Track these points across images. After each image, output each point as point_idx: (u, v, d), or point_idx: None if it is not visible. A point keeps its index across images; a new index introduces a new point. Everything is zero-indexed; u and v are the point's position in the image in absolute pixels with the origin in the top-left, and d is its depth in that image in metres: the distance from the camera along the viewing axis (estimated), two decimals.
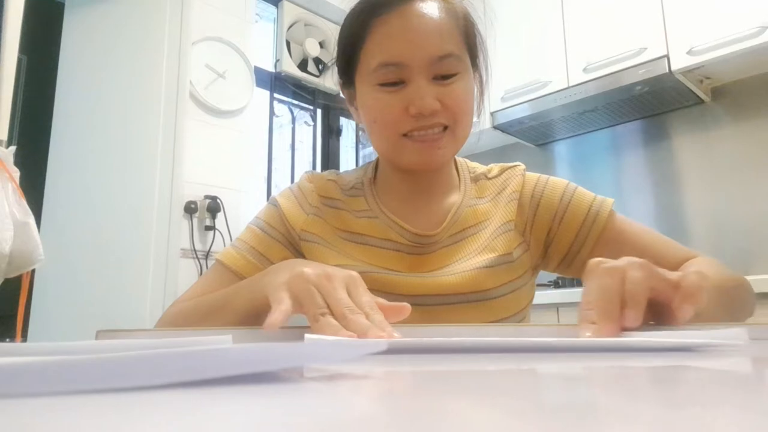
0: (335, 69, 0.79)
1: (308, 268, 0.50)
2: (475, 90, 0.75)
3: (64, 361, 0.18)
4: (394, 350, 0.33)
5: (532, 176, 0.81)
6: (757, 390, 0.21)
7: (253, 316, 0.56)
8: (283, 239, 0.77)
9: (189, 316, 0.66)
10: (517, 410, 0.16)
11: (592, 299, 0.46)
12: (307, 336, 0.41)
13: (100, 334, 0.55)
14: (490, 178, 0.81)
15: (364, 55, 0.70)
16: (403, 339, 0.39)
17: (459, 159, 0.84)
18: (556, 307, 1.87)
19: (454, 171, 0.81)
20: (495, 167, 0.83)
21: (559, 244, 0.76)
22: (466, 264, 0.71)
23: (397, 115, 0.68)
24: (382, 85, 0.69)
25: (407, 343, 0.34)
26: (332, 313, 0.45)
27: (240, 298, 0.59)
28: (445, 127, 0.69)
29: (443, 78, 0.68)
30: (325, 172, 0.83)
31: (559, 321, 1.87)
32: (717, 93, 2.23)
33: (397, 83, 0.68)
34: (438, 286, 0.70)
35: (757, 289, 1.52)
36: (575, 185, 0.79)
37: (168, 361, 0.19)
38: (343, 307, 0.45)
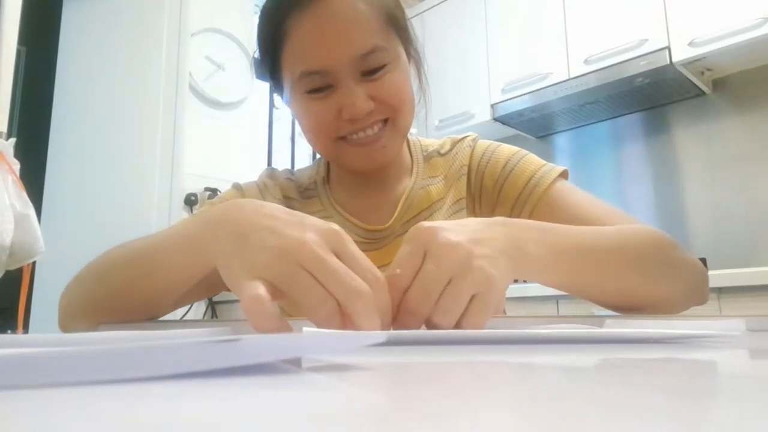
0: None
1: (279, 237, 0.38)
2: (414, 73, 0.70)
3: (65, 353, 0.18)
4: (393, 341, 0.33)
5: (482, 144, 0.75)
6: (752, 381, 0.21)
7: (197, 283, 0.48)
8: None
9: (115, 273, 0.56)
10: (515, 401, 0.16)
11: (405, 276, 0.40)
12: (305, 328, 0.41)
13: (101, 326, 0.56)
14: (442, 155, 0.76)
15: (285, 61, 0.65)
16: (402, 331, 0.39)
17: (411, 138, 0.79)
18: (556, 299, 1.87)
19: (407, 153, 0.77)
20: (448, 141, 0.77)
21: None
22: None
23: (331, 121, 0.64)
24: (310, 92, 0.64)
25: (406, 335, 0.34)
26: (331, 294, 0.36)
27: (179, 258, 0.47)
28: (386, 120, 0.65)
29: (372, 72, 0.63)
30: (283, 171, 0.79)
31: (558, 313, 1.88)
32: (718, 85, 2.22)
33: (325, 88, 0.64)
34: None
35: (758, 281, 1.53)
36: (526, 153, 0.72)
37: (167, 352, 0.19)
38: (347, 290, 0.36)
